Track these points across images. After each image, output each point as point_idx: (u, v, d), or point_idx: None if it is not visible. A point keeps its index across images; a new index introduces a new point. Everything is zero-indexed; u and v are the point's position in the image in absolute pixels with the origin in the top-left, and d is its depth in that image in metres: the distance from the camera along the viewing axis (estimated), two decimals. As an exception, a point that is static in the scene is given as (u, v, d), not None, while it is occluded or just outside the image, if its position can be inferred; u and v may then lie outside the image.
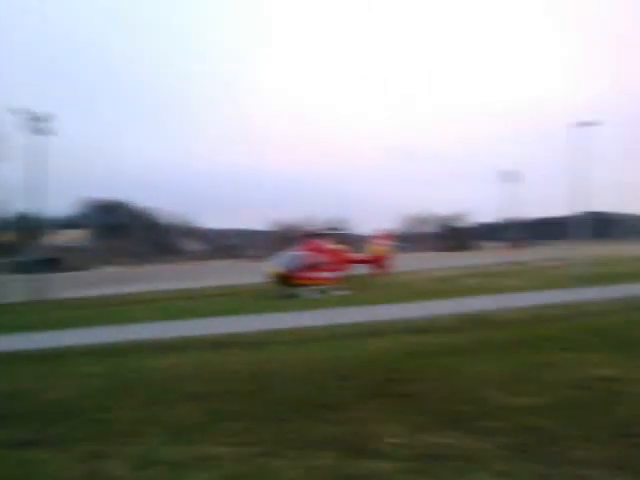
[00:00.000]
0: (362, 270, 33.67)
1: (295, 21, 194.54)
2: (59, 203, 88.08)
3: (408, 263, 53.06)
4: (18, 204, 46.03)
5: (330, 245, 28.97)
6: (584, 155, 26.20)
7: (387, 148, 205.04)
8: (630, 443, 5.79)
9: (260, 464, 5.61)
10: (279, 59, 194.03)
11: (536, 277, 31.91)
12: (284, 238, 45.49)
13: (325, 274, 27.08)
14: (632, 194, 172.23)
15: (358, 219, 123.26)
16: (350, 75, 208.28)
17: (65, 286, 37.04)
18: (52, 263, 49.62)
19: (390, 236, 35.47)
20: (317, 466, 5.50)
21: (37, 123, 31.63)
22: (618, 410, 6.90)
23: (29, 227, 45.72)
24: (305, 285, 26.18)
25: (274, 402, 7.88)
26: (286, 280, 26.02)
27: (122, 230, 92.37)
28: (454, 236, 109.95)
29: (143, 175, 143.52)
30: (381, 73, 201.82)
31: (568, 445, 5.79)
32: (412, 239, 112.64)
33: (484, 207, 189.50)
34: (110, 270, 72.52)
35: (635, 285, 23.76)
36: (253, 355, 11.55)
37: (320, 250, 27.93)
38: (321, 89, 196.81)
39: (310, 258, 26.94)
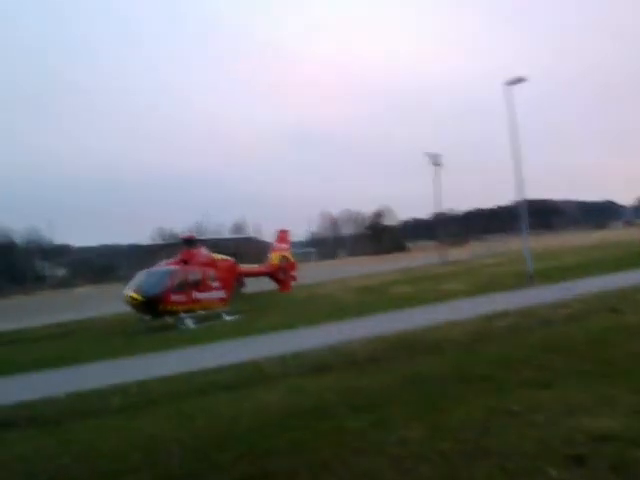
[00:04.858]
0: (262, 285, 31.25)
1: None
2: None
3: (325, 271, 51.52)
4: None
5: (212, 256, 25.81)
6: (517, 131, 25.39)
7: (288, 136, 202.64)
8: None
9: None
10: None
11: (478, 278, 31.07)
12: (166, 251, 41.55)
13: (205, 295, 24.19)
14: (570, 178, 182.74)
15: (264, 223, 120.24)
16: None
17: None
18: None
19: (287, 237, 32.67)
20: None
21: None
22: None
23: None
24: (176, 312, 23.19)
25: None
26: (150, 306, 22.93)
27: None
28: (381, 236, 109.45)
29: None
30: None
31: None
32: (331, 243, 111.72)
33: (411, 202, 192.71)
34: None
35: (597, 278, 23.14)
36: (42, 441, 8.61)
37: (197, 263, 24.82)
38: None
39: (182, 274, 23.90)
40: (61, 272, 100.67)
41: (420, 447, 6.43)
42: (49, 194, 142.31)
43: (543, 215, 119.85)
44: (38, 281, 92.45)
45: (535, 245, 39.58)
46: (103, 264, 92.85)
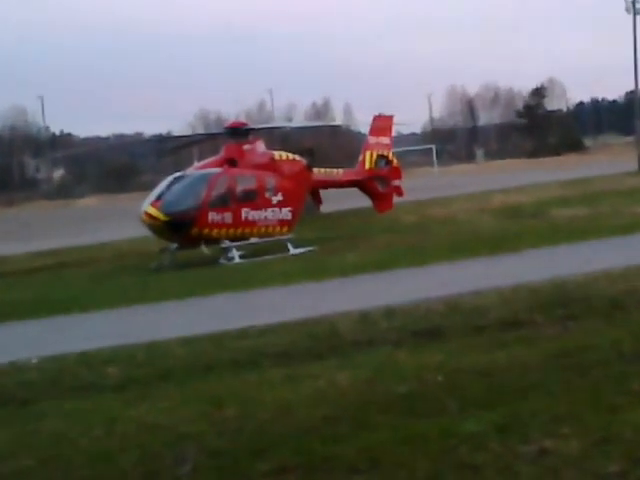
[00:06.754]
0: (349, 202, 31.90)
1: None
2: None
3: (451, 181, 51.24)
4: None
5: (273, 154, 25.95)
6: None
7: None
8: None
9: None
10: None
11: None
12: (207, 146, 42.67)
13: (260, 214, 24.57)
14: None
15: (359, 105, 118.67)
16: None
17: None
18: None
19: (389, 127, 32.14)
20: None
21: None
22: None
23: None
24: (216, 238, 23.86)
25: None
26: (177, 229, 23.61)
27: None
28: (543, 128, 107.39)
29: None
30: None
31: None
32: (464, 138, 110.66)
33: (591, 74, 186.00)
34: None
35: None
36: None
37: (250, 165, 25.04)
38: None
39: (225, 182, 24.40)
40: (59, 174, 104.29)
41: (572, 467, 6.22)
42: (42, 60, 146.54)
43: None
44: (26, 187, 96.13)
45: None
46: (119, 164, 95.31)
